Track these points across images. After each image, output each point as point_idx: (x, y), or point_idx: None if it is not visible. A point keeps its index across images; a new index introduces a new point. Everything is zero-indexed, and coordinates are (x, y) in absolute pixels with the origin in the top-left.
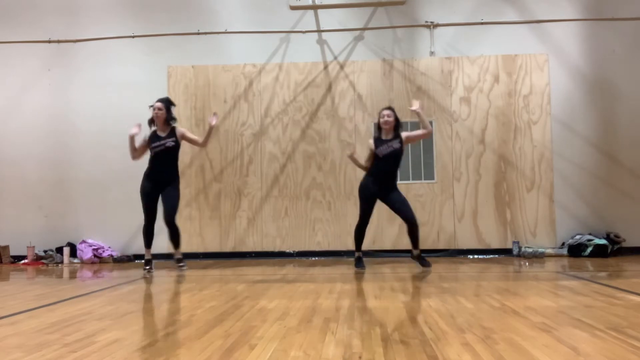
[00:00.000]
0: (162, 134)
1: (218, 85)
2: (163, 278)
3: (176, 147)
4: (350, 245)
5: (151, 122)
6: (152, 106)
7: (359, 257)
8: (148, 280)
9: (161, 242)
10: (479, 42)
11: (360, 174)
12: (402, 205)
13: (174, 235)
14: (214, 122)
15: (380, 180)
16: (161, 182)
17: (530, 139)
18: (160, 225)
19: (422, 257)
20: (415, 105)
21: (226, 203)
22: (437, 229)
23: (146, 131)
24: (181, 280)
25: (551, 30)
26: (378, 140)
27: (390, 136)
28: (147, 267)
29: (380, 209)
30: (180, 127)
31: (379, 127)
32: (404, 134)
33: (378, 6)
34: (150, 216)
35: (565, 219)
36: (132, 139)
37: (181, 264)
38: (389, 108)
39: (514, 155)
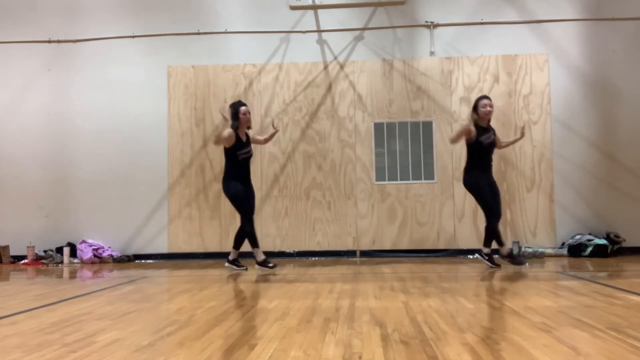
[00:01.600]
0: (244, 139)
1: (218, 85)
2: (164, 278)
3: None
4: (350, 245)
5: (236, 125)
6: (236, 111)
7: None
8: (150, 280)
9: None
10: (479, 42)
11: (361, 174)
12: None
13: (244, 235)
14: (278, 128)
15: (486, 169)
16: (247, 186)
17: (530, 139)
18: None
19: (511, 254)
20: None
21: (226, 203)
22: (437, 229)
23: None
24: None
25: (551, 30)
26: (480, 129)
27: (487, 126)
28: (271, 265)
29: (380, 208)
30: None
31: (478, 117)
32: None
33: (378, 6)
34: (251, 213)
35: (565, 219)
36: (226, 121)
37: (270, 264)
38: (488, 97)
39: (514, 155)
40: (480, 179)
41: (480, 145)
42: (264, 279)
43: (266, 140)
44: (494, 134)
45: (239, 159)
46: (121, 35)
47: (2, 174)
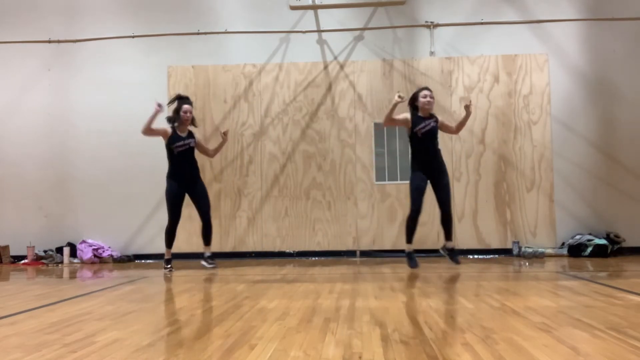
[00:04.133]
0: (182, 135)
1: (218, 85)
2: (164, 278)
3: (194, 147)
4: (350, 245)
5: (172, 120)
6: (178, 108)
7: (410, 253)
8: (150, 280)
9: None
10: (479, 42)
11: (360, 173)
12: (442, 190)
13: (209, 232)
14: (226, 138)
15: (426, 161)
16: (187, 182)
17: (530, 139)
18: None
19: (454, 250)
20: (467, 102)
21: (226, 203)
22: (437, 229)
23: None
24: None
25: (551, 30)
26: (416, 118)
27: (427, 116)
28: (169, 267)
29: (380, 208)
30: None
31: (414, 108)
32: (440, 117)
33: (378, 6)
34: (176, 217)
35: (565, 219)
36: (155, 115)
37: (212, 262)
38: (428, 88)
39: (514, 155)
40: (413, 171)
41: (415, 136)
42: (264, 279)
43: (213, 151)
44: (436, 121)
45: (174, 153)
46: (121, 35)
47: (2, 174)
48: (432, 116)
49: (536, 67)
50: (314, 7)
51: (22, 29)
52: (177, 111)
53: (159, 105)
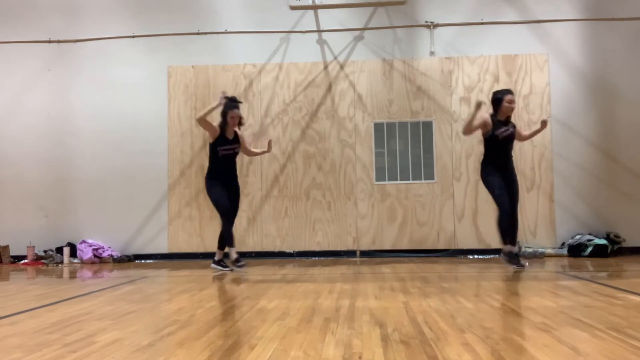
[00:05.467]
0: (229, 137)
1: (218, 85)
2: (164, 278)
3: (238, 152)
4: (350, 244)
5: (223, 123)
6: (227, 112)
7: (510, 252)
8: (150, 280)
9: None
10: (479, 42)
11: (361, 174)
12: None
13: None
14: (270, 148)
15: (502, 164)
16: (229, 184)
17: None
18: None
19: (511, 254)
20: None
21: None
22: (437, 229)
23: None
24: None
25: (551, 30)
26: (497, 121)
27: (505, 120)
28: (241, 263)
29: (380, 208)
30: (242, 133)
31: (495, 111)
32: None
33: (378, 6)
34: (228, 215)
35: (565, 219)
36: (218, 106)
37: (241, 263)
38: (512, 92)
39: (514, 155)
40: (490, 173)
41: (496, 139)
42: (264, 279)
43: (253, 154)
44: (514, 127)
45: (219, 155)
46: (121, 35)
47: (2, 174)
48: (509, 121)
49: (536, 67)
50: (314, 7)
51: (22, 29)
52: (224, 114)
53: (225, 97)
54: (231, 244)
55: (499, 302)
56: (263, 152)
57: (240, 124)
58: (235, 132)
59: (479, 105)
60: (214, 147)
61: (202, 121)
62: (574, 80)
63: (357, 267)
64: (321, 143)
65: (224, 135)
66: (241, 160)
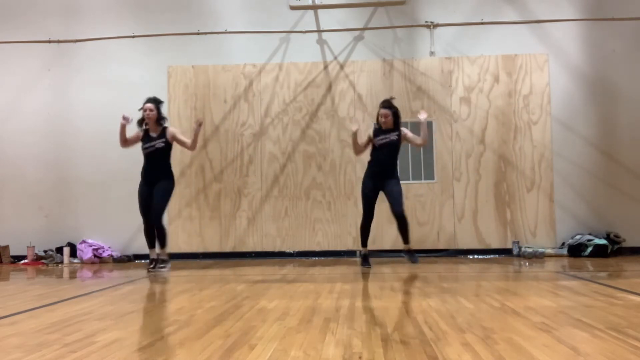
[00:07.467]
0: (153, 135)
1: (218, 85)
2: (163, 278)
3: (167, 148)
4: (350, 245)
5: (141, 122)
6: (141, 108)
7: (365, 254)
8: (149, 279)
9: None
10: (479, 42)
11: (360, 173)
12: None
13: (160, 236)
14: (199, 129)
15: (377, 171)
16: (153, 182)
17: (530, 139)
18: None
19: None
20: (423, 116)
21: (226, 203)
22: (437, 229)
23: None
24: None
25: (551, 30)
26: (377, 131)
27: (389, 129)
28: (151, 266)
29: (380, 208)
30: (172, 128)
31: (378, 123)
32: (404, 130)
33: (378, 6)
34: (145, 216)
35: (565, 219)
36: (123, 128)
37: (162, 265)
38: (387, 107)
39: (514, 155)
40: (365, 184)
41: (374, 146)
42: (264, 279)
43: (192, 146)
44: (399, 135)
45: (143, 154)
46: (121, 35)
47: (2, 174)
48: (393, 129)
49: (536, 67)
50: (314, 7)
51: (22, 29)
52: (142, 111)
53: (124, 118)
54: (149, 246)
55: (499, 302)
56: (196, 134)
57: (159, 118)
58: (163, 130)
59: (355, 132)
60: (141, 148)
61: (123, 143)
62: (574, 80)
63: (357, 267)
64: (321, 143)
65: (148, 134)
66: (241, 160)
